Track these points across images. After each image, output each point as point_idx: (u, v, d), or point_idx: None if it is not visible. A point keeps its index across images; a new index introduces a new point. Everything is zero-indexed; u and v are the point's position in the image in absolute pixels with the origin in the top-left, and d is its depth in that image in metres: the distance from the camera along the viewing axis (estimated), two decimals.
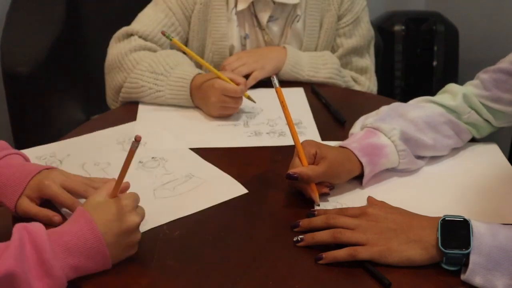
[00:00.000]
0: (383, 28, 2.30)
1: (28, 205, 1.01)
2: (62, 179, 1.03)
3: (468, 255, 0.89)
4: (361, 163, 1.10)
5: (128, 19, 1.49)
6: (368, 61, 1.62)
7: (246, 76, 1.45)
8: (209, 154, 1.23)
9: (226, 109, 1.35)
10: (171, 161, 1.21)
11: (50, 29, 1.82)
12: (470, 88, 1.22)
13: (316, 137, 1.31)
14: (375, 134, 1.14)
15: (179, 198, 1.10)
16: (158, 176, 1.16)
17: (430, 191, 1.13)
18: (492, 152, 1.26)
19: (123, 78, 1.40)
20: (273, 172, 1.18)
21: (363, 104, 1.47)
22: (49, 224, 0.98)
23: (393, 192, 1.12)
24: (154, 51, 1.43)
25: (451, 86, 1.24)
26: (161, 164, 1.20)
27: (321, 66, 1.54)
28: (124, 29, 1.46)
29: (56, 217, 1.00)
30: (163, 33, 1.31)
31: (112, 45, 1.46)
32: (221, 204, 1.09)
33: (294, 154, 1.10)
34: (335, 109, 1.39)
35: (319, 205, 1.06)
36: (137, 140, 0.86)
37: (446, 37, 2.30)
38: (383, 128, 1.14)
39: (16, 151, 1.09)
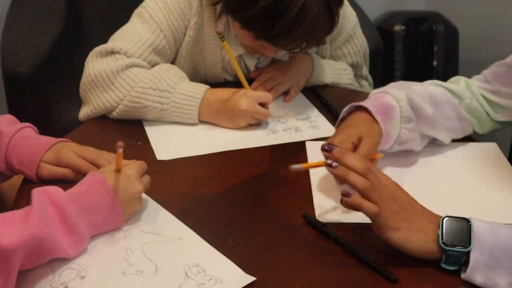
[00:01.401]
0: (383, 28, 2.30)
1: (51, 167, 1.09)
2: (77, 149, 1.11)
3: (468, 253, 0.90)
4: (377, 122, 1.12)
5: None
6: (366, 70, 1.62)
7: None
8: (209, 155, 1.23)
9: (256, 117, 1.32)
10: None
11: (50, 29, 1.82)
12: (473, 80, 1.27)
13: (329, 127, 1.34)
14: (384, 97, 1.17)
15: None
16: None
17: (430, 191, 1.13)
18: (492, 152, 1.26)
19: (117, 98, 1.31)
20: (273, 172, 1.18)
21: None
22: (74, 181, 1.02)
23: None
24: (143, 67, 1.35)
25: (455, 77, 1.28)
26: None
27: (342, 72, 1.54)
28: (108, 46, 1.34)
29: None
30: (218, 33, 1.28)
31: (93, 60, 1.34)
32: (221, 204, 1.09)
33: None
34: (335, 109, 1.40)
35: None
36: (119, 147, 0.97)
37: (446, 37, 2.30)
38: (392, 93, 1.17)
39: (28, 124, 1.15)
